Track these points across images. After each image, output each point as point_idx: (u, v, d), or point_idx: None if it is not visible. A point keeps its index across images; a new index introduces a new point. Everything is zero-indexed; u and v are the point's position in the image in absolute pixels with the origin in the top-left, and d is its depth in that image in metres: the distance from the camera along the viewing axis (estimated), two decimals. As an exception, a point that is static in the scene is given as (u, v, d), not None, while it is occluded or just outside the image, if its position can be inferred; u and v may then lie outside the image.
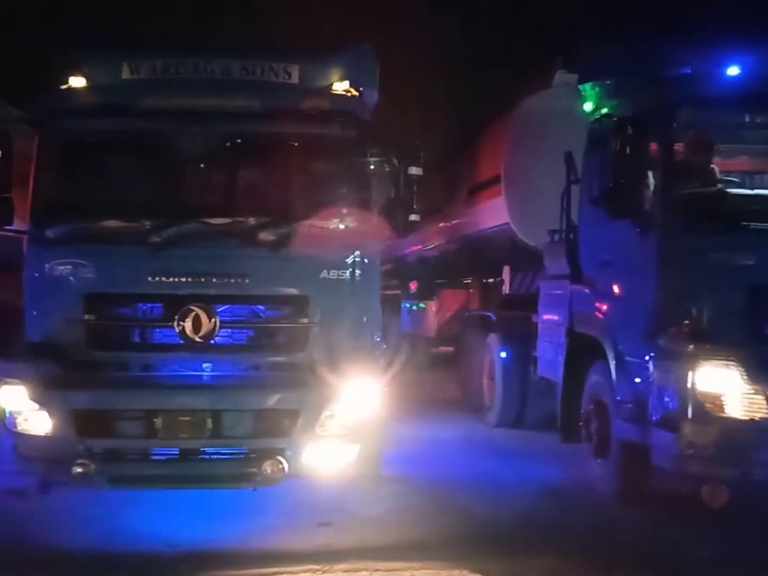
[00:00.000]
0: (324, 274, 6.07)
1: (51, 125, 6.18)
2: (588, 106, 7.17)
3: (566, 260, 7.45)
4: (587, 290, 7.10)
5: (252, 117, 6.14)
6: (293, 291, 6.13)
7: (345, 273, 6.12)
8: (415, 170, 6.23)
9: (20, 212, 6.31)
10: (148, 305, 6.14)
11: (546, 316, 8.21)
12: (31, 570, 5.21)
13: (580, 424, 7.20)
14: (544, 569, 5.29)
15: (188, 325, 5.94)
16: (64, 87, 6.31)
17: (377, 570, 5.16)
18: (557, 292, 7.83)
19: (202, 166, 6.29)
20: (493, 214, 9.99)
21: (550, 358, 8.00)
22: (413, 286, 14.09)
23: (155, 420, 5.82)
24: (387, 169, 6.21)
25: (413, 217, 6.28)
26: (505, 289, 10.52)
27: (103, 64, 6.35)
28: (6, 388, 5.93)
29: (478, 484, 7.06)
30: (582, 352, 7.14)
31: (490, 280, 11.36)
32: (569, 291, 7.44)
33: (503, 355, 9.52)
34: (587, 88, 7.25)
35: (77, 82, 6.30)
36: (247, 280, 6.03)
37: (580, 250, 7.30)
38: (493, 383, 9.85)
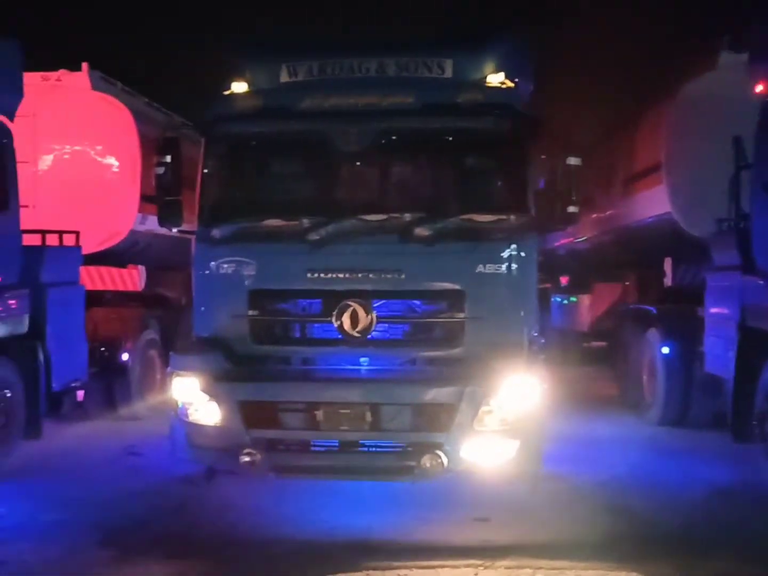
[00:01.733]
0: (480, 268, 6.01)
1: (215, 130, 6.43)
2: (760, 87, 6.73)
3: (737, 250, 7.05)
4: (761, 282, 6.69)
5: (407, 113, 6.17)
6: (449, 285, 6.11)
7: (501, 267, 6.04)
8: (573, 160, 6.07)
9: (187, 214, 6.61)
10: (308, 301, 6.29)
11: (714, 310, 7.82)
12: (199, 555, 5.44)
13: (754, 423, 6.80)
14: (714, 573, 5.05)
15: (346, 320, 6.04)
16: (226, 93, 6.57)
17: (540, 568, 5.07)
18: (727, 284, 7.43)
19: (358, 164, 6.38)
20: (652, 203, 9.60)
21: (718, 354, 7.61)
22: (564, 279, 13.77)
23: (316, 412, 5.98)
24: (544, 160, 6.09)
25: (572, 209, 6.11)
26: (667, 281, 10.06)
27: (263, 69, 6.57)
28: (179, 380, 6.26)
29: (641, 483, 6.82)
30: (755, 347, 6.74)
31: (649, 273, 10.91)
32: (741, 283, 7.05)
33: (665, 350, 9.14)
34: (759, 68, 6.81)
35: (239, 87, 6.54)
36: (403, 275, 6.07)
37: (752, 239, 6.89)
38: (653, 379, 9.48)
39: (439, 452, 5.75)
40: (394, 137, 6.31)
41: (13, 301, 7.40)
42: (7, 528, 5.92)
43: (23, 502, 6.48)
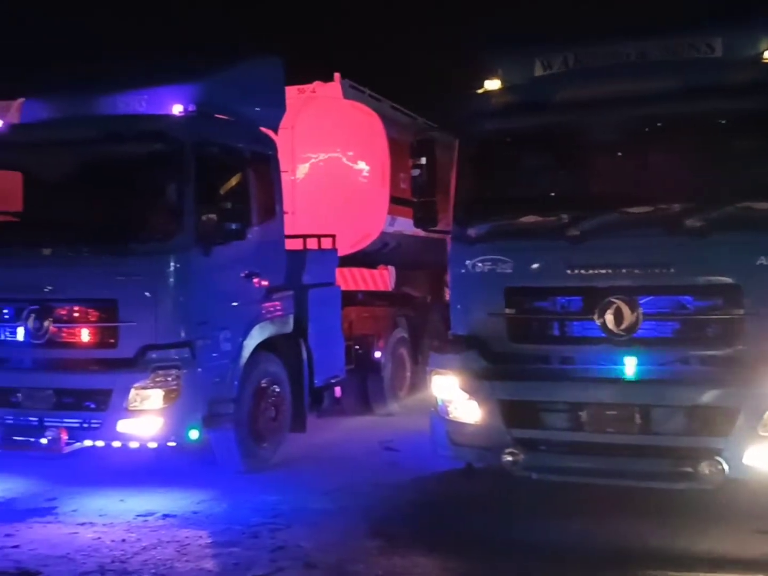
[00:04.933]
0: (762, 260, 5.54)
1: (470, 129, 6.42)
2: None
3: None
4: None
5: (672, 98, 5.83)
6: (725, 279, 5.69)
7: None
8: None
9: (440, 214, 6.66)
10: (567, 298, 6.12)
11: None
12: (460, 552, 5.47)
13: None
14: None
15: (609, 317, 5.81)
16: (479, 91, 6.56)
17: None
18: None
19: (619, 154, 6.13)
20: None
21: None
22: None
23: (580, 413, 5.83)
24: None
25: None
26: None
27: (517, 65, 6.50)
28: (438, 378, 6.34)
29: None
30: None
31: None
32: None
33: None
34: None
35: (492, 84, 6.52)
36: (672, 270, 5.74)
37: None
38: None
39: (719, 458, 5.39)
40: (657, 124, 5.97)
41: (279, 303, 7.89)
42: (282, 514, 6.30)
43: (294, 490, 6.88)
